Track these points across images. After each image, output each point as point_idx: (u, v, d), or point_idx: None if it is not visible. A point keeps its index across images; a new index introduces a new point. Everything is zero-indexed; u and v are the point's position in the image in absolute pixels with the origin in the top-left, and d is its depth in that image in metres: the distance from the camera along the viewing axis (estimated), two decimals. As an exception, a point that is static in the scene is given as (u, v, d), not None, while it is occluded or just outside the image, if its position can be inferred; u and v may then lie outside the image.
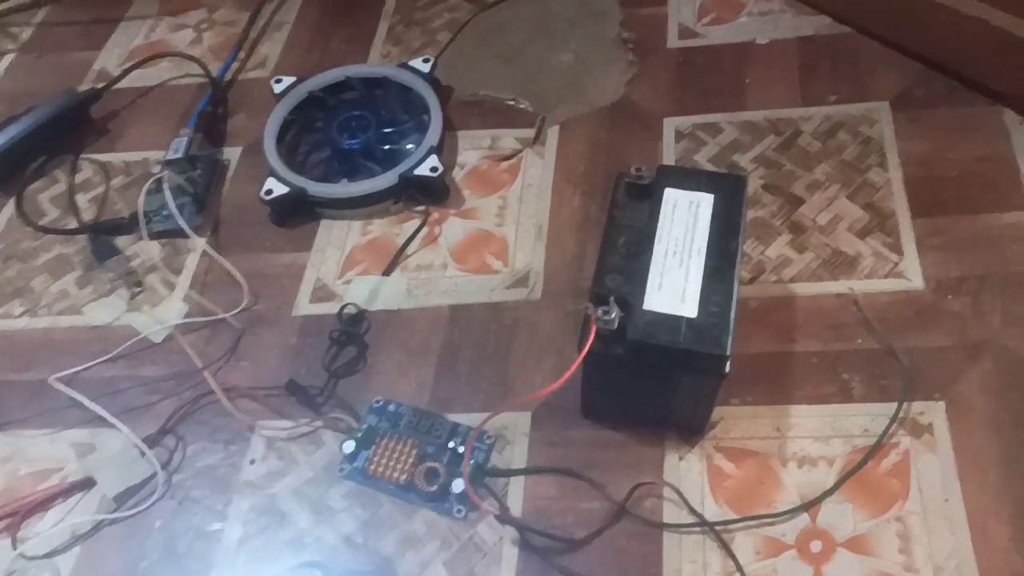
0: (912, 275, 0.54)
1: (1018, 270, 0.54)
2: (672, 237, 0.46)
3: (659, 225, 0.47)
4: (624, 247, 0.47)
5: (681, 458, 0.49)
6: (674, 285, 0.44)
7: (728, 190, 0.48)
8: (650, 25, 0.72)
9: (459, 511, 0.48)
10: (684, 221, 0.47)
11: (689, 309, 0.43)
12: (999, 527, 0.45)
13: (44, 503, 0.51)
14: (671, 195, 0.48)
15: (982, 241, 0.55)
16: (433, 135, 0.64)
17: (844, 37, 0.68)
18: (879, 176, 0.59)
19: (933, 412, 0.49)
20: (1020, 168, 0.58)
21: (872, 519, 0.46)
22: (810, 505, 0.47)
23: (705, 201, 0.48)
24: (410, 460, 0.49)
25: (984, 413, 0.48)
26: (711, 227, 0.46)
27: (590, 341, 0.43)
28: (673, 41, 0.70)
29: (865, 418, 0.49)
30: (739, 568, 0.45)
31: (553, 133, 0.66)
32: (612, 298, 0.44)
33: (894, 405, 0.49)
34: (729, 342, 0.42)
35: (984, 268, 0.54)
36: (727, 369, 0.43)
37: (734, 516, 0.47)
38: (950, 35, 0.62)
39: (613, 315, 0.43)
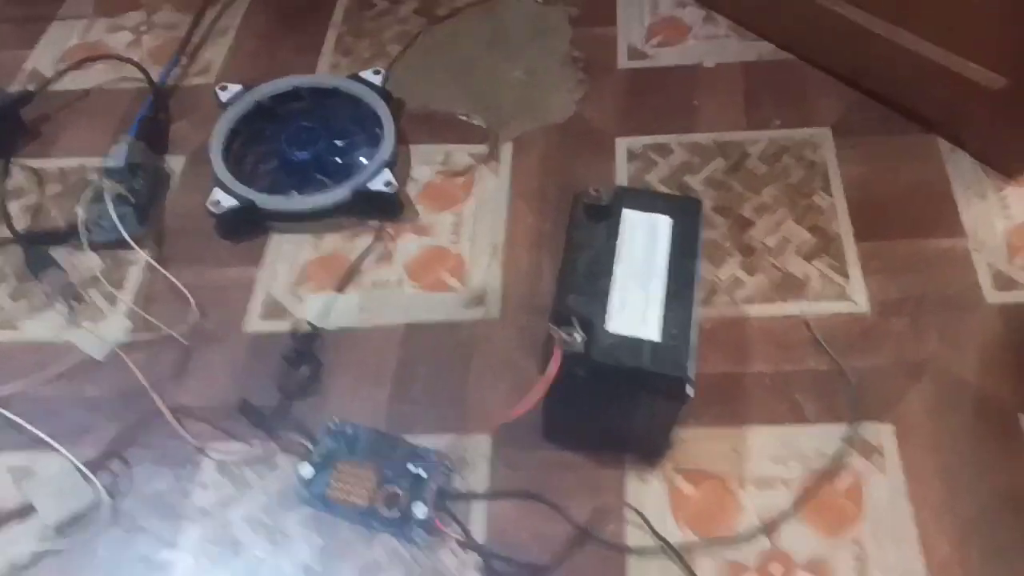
0: (857, 297, 0.56)
1: (953, 292, 0.56)
2: (632, 258, 0.47)
3: (618, 246, 0.47)
4: (584, 267, 0.47)
5: (642, 480, 0.50)
6: (635, 307, 0.45)
7: (685, 212, 0.49)
8: (600, 44, 0.73)
9: (421, 537, 0.48)
10: (643, 243, 0.47)
11: (651, 332, 0.44)
12: (946, 545, 0.47)
13: (-23, 533, 0.49)
14: (629, 216, 0.49)
15: (920, 263, 0.58)
16: (386, 149, 0.63)
17: (786, 64, 0.70)
18: (823, 200, 0.61)
19: (881, 433, 0.51)
20: (953, 193, 0.61)
21: (829, 540, 0.47)
22: (769, 528, 0.48)
23: (663, 223, 0.48)
24: (370, 484, 0.49)
25: (927, 432, 0.50)
26: (670, 249, 0.47)
27: (557, 363, 0.43)
28: (623, 62, 0.71)
29: (818, 439, 0.51)
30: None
31: (506, 149, 0.66)
32: (575, 319, 0.44)
33: (845, 426, 0.51)
34: (691, 365, 0.43)
35: (922, 290, 0.56)
36: (689, 392, 0.44)
37: (696, 538, 0.48)
38: (885, 64, 0.64)
39: (577, 337, 0.43)
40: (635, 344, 0.43)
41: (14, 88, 0.71)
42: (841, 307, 0.56)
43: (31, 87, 0.70)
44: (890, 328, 0.55)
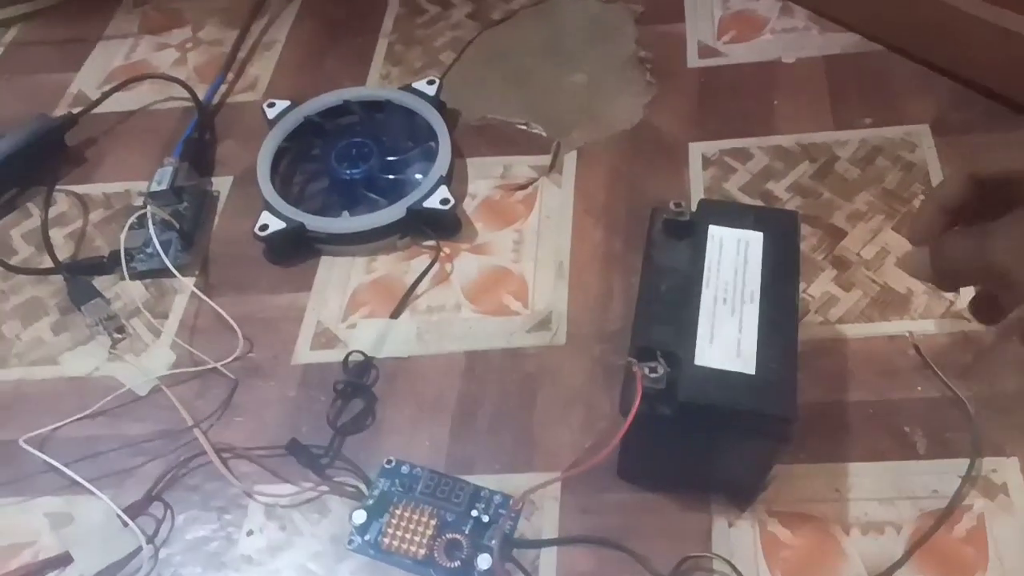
0: (970, 314, 0.50)
1: (1083, 307, 0.49)
2: (721, 281, 0.41)
3: (706, 268, 0.42)
4: (667, 293, 0.42)
5: (731, 525, 0.44)
6: (728, 337, 0.39)
7: (779, 227, 0.43)
8: (668, 43, 0.68)
9: (485, 589, 0.43)
10: (733, 263, 0.42)
11: (746, 365, 0.39)
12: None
13: (14, 584, 0.46)
14: (716, 233, 0.43)
15: (1041, 276, 0.51)
16: (442, 164, 0.59)
17: (874, 55, 0.64)
18: (926, 206, 0.55)
19: (1006, 469, 0.44)
20: (1074, 196, 0.54)
21: (950, 592, 0.41)
22: (878, 581, 0.42)
23: (754, 240, 0.43)
24: (428, 531, 0.44)
25: (1061, 469, 0.44)
26: (763, 270, 0.42)
27: (636, 404, 0.38)
28: (693, 60, 0.66)
29: (932, 476, 0.45)
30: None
31: (570, 160, 0.61)
32: (658, 353, 0.39)
33: (962, 461, 0.45)
34: (795, 403, 0.38)
35: (1045, 305, 0.50)
36: (792, 433, 0.38)
37: (794, 592, 0.42)
38: (988, 52, 0.58)
39: (661, 372, 0.38)
40: (729, 379, 0.38)
41: (59, 111, 0.69)
42: (952, 325, 0.50)
43: (75, 111, 0.68)
44: (1010, 348, 0.48)
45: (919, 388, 0.48)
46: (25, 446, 0.49)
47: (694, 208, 0.45)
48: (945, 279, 0.41)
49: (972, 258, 0.38)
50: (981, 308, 0.45)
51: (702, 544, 0.44)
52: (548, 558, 0.44)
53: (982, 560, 0.42)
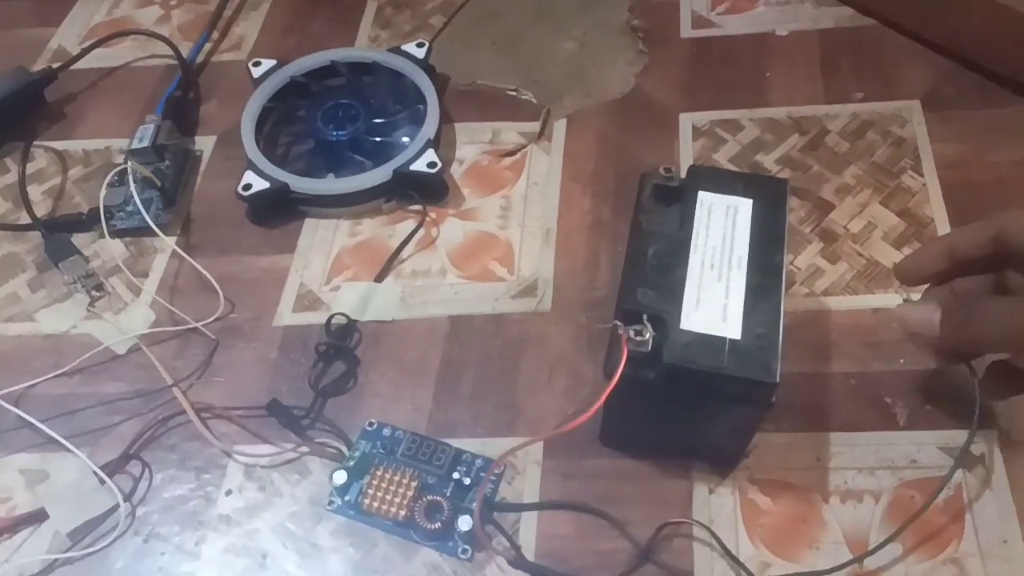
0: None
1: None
2: (709, 247, 0.41)
3: (694, 233, 0.42)
4: (654, 257, 0.42)
5: (711, 492, 0.44)
6: (714, 302, 0.39)
7: (768, 195, 0.43)
8: (661, 12, 0.67)
9: (464, 551, 0.43)
10: (721, 229, 0.42)
11: (732, 330, 0.38)
12: (1065, 572, 0.41)
13: (-12, 539, 0.45)
14: (705, 199, 0.43)
15: (1026, 252, 0.51)
16: (430, 127, 0.58)
17: (867, 29, 0.64)
18: (914, 180, 0.55)
19: (986, 442, 0.45)
20: (1061, 173, 0.54)
21: (925, 561, 0.41)
22: (856, 547, 0.42)
23: (743, 207, 0.43)
24: (409, 493, 0.44)
25: (1041, 442, 0.44)
26: (751, 236, 0.42)
27: (620, 367, 0.38)
28: (686, 30, 0.65)
29: (911, 447, 0.45)
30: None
31: (559, 127, 0.61)
32: (645, 316, 0.39)
33: (942, 433, 0.45)
34: (778, 368, 0.37)
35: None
36: (774, 398, 0.38)
37: (773, 558, 0.42)
38: (982, 28, 0.58)
39: (647, 336, 0.38)
40: (714, 343, 0.38)
41: (38, 67, 0.68)
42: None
43: (55, 66, 0.66)
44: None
45: (901, 361, 0.48)
46: (0, 402, 0.48)
47: (683, 174, 0.45)
48: (971, 345, 0.39)
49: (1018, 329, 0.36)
50: (1000, 379, 0.42)
51: (682, 511, 0.44)
52: (529, 521, 0.44)
53: (958, 530, 0.42)
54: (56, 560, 0.44)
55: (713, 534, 0.43)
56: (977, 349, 0.41)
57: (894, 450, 0.45)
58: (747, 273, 0.40)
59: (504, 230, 0.56)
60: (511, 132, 0.61)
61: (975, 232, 0.40)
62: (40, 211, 0.59)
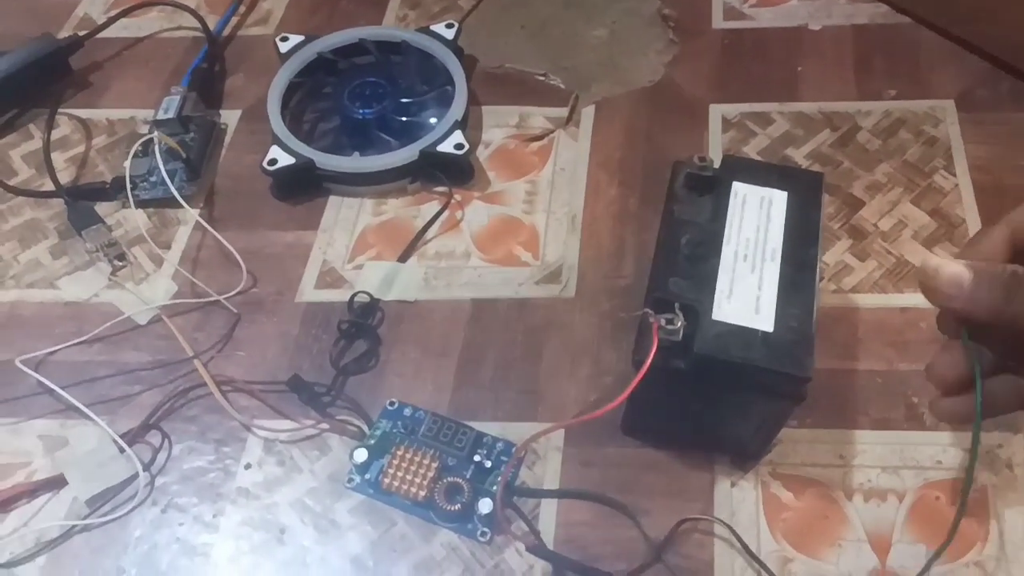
0: None
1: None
2: (743, 238, 0.41)
3: (727, 224, 0.41)
4: (687, 247, 0.41)
5: (733, 485, 0.44)
6: (747, 294, 0.39)
7: (803, 188, 0.43)
8: (693, 3, 0.66)
9: (484, 534, 0.43)
10: (755, 220, 0.41)
11: (764, 322, 0.38)
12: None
13: (6, 503, 0.45)
14: (740, 190, 0.43)
15: (1057, 257, 0.50)
16: (457, 108, 0.57)
17: (902, 28, 0.63)
18: (946, 180, 0.54)
19: (1013, 445, 0.44)
20: (1093, 181, 0.54)
21: (948, 563, 0.41)
22: (879, 545, 0.42)
23: (778, 198, 0.42)
24: (430, 473, 0.44)
25: (1068, 448, 0.44)
26: (786, 229, 0.41)
27: (651, 354, 0.37)
28: (718, 21, 0.65)
29: (937, 448, 0.45)
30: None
31: (587, 114, 0.60)
32: (676, 305, 0.38)
33: (969, 435, 0.44)
34: (811, 363, 0.37)
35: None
36: (806, 393, 0.38)
37: (794, 553, 0.42)
38: (1019, 32, 0.57)
39: (677, 324, 0.38)
40: (746, 335, 0.37)
41: (64, 34, 0.67)
42: (964, 302, 0.49)
43: (81, 33, 0.66)
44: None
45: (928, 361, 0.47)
46: (21, 366, 0.48)
47: (717, 164, 0.44)
48: (1010, 319, 0.33)
49: None
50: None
51: (703, 503, 0.44)
52: (548, 507, 0.44)
53: (982, 533, 0.42)
54: (74, 527, 0.44)
55: (733, 531, 0.42)
56: (1017, 323, 0.34)
57: (919, 450, 0.45)
58: (781, 266, 0.40)
59: (529, 215, 0.55)
60: (539, 117, 0.60)
61: (989, 240, 0.36)
62: (63, 178, 0.58)
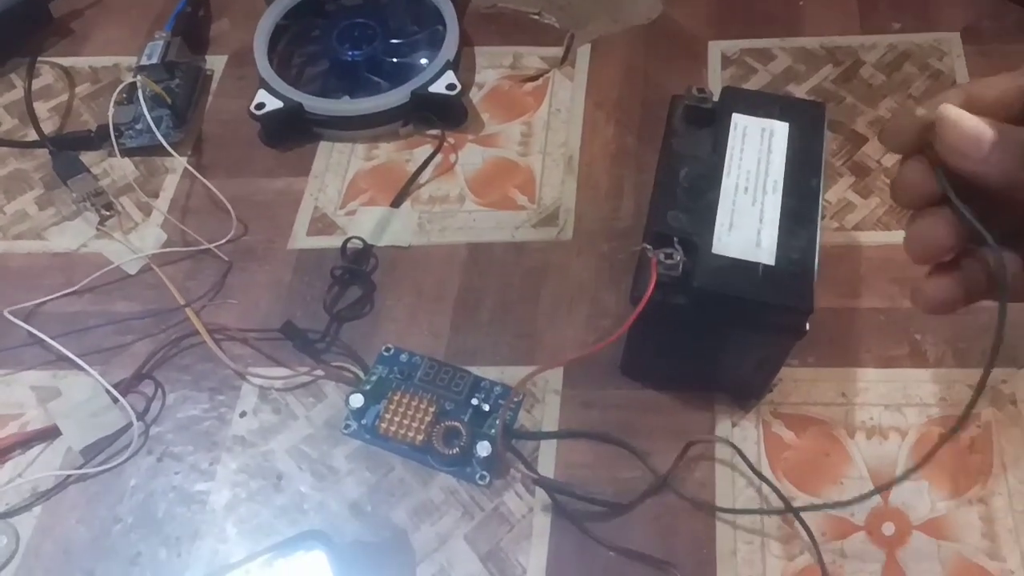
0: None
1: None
2: (743, 170, 0.40)
3: (727, 156, 0.40)
4: (686, 180, 0.40)
5: (734, 424, 0.44)
6: (747, 227, 0.38)
7: (805, 119, 0.41)
8: (691, -63, 0.64)
9: (483, 477, 0.42)
10: (756, 152, 0.40)
11: (766, 255, 0.37)
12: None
13: (0, 454, 0.45)
14: (739, 121, 0.41)
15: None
16: (449, 48, 0.56)
17: (906, -40, 0.61)
18: (951, 114, 0.53)
19: (1017, 380, 0.44)
20: (1103, 112, 0.52)
21: (951, 499, 0.41)
22: (881, 483, 0.41)
23: (779, 130, 0.41)
24: (427, 418, 0.43)
25: (1074, 382, 0.43)
26: (787, 160, 0.40)
27: (650, 289, 0.36)
28: (718, -45, 0.63)
29: (941, 385, 0.44)
30: (816, 547, 0.39)
31: (583, 53, 0.59)
32: (675, 239, 0.38)
33: (973, 371, 0.44)
34: (813, 295, 0.36)
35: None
36: (807, 326, 0.37)
37: (797, 491, 0.41)
38: (1026, -39, 0.55)
39: (676, 259, 0.37)
40: (747, 268, 0.36)
41: (44, -21, 0.65)
42: (969, 237, 0.49)
43: (61, -22, 0.64)
44: None
45: (933, 297, 0.46)
46: (10, 317, 0.47)
47: (716, 97, 0.43)
48: None
49: None
50: None
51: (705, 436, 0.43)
52: (548, 449, 0.43)
53: (986, 468, 0.41)
54: (69, 476, 0.44)
55: (738, 451, 0.42)
56: None
57: (923, 387, 0.44)
58: (782, 198, 0.39)
59: (525, 157, 0.54)
60: (533, 57, 0.59)
61: (1004, 79, 0.30)
62: (47, 128, 0.57)
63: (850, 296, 0.47)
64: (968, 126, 0.29)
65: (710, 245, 0.37)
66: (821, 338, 0.45)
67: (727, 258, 0.37)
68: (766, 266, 0.37)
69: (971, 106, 0.30)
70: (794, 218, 0.38)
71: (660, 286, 0.37)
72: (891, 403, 0.44)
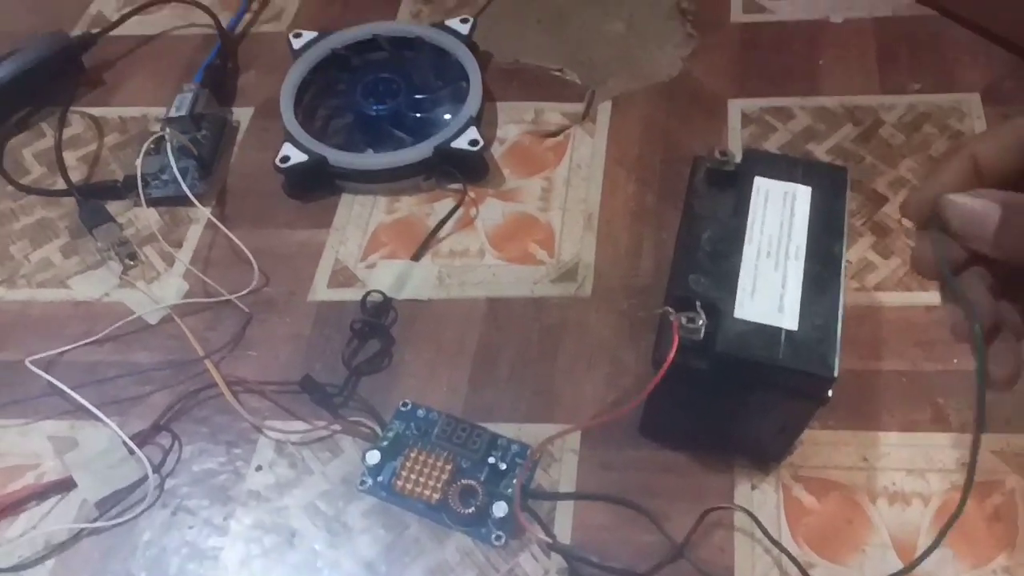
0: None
1: None
2: (765, 235, 0.40)
3: (750, 220, 0.40)
4: (708, 243, 0.40)
5: (754, 488, 0.43)
6: (770, 291, 0.38)
7: (827, 182, 0.41)
8: (711, -5, 0.65)
9: (498, 538, 0.42)
10: (778, 216, 0.40)
11: (788, 320, 0.37)
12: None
13: (15, 506, 0.45)
14: (762, 185, 0.41)
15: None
16: (472, 104, 0.56)
17: (925, 20, 0.62)
18: (972, 176, 0.53)
19: (1041, 449, 0.43)
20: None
21: (975, 569, 0.40)
22: (904, 550, 0.41)
23: (801, 194, 0.41)
24: (444, 476, 0.43)
25: (1101, 452, 0.43)
26: (810, 225, 0.40)
27: (672, 353, 0.36)
28: (737, 14, 0.64)
29: (963, 450, 0.43)
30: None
31: (604, 109, 0.59)
32: (697, 303, 0.37)
33: (996, 436, 0.43)
34: (836, 362, 0.36)
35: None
36: (830, 393, 0.37)
37: (816, 558, 0.41)
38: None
39: (699, 323, 0.37)
40: (769, 334, 0.36)
41: (77, 31, 0.67)
42: (992, 300, 0.48)
43: (94, 31, 0.65)
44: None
45: (955, 360, 0.46)
46: (31, 367, 0.48)
47: (738, 159, 0.43)
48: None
49: None
50: None
51: (725, 503, 0.42)
52: (565, 510, 0.43)
53: (1010, 537, 0.41)
54: (83, 530, 0.44)
55: (756, 520, 0.41)
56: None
57: (945, 453, 0.43)
58: (805, 263, 0.38)
59: (545, 212, 0.54)
60: (554, 113, 0.59)
61: (999, 137, 0.32)
62: (75, 177, 0.58)
63: (872, 358, 0.47)
64: (970, 211, 0.30)
65: (732, 309, 0.37)
66: (842, 400, 0.45)
67: (749, 323, 0.37)
68: (789, 331, 0.36)
69: (978, 169, 0.32)
70: (817, 284, 0.38)
71: (682, 350, 0.36)
72: (913, 468, 0.43)
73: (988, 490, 0.42)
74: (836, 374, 0.36)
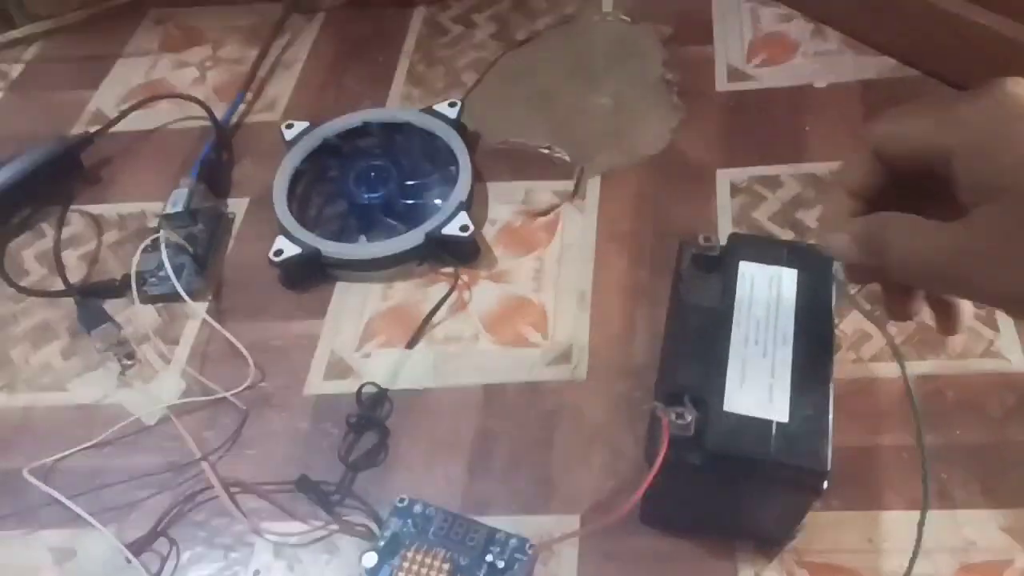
0: (1011, 354, 0.48)
1: None
2: (752, 321, 0.39)
3: (736, 306, 0.40)
4: (695, 332, 0.40)
5: (758, 575, 0.42)
6: (759, 381, 0.37)
7: (814, 265, 0.41)
8: (696, 66, 0.66)
9: (499, 639, 0.41)
10: (765, 301, 0.40)
11: (779, 412, 0.36)
12: None
13: (16, 619, 0.44)
14: (747, 269, 0.41)
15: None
16: (462, 189, 0.57)
17: (911, 81, 0.62)
18: (965, 239, 0.53)
19: (1053, 524, 0.42)
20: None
21: (989, 657, 0.39)
22: (916, 639, 0.40)
23: (787, 277, 0.41)
24: (441, 575, 0.42)
25: (1113, 525, 0.42)
26: (797, 310, 0.40)
27: (663, 450, 0.36)
28: (722, 83, 0.64)
29: (970, 527, 0.42)
30: None
31: (594, 185, 0.60)
32: (686, 397, 0.37)
33: (1005, 512, 0.42)
34: (829, 455, 0.35)
35: (1091, 346, 0.48)
36: (825, 486, 0.36)
37: (826, 651, 0.40)
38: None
39: (688, 419, 0.36)
40: (760, 427, 0.36)
41: (77, 129, 0.68)
42: (990, 365, 0.48)
43: (92, 129, 0.67)
44: (1055, 392, 0.46)
45: (958, 432, 0.45)
46: (29, 478, 0.48)
47: (723, 240, 0.43)
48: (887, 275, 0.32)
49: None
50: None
51: (728, 596, 0.42)
52: (566, 607, 0.42)
53: (1025, 619, 0.40)
54: (83, 642, 0.43)
55: (762, 621, 0.40)
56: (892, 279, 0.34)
57: (951, 531, 0.42)
58: (793, 349, 0.38)
59: (538, 293, 0.54)
60: (545, 191, 0.60)
61: (857, 160, 0.34)
62: (75, 276, 0.59)
63: (871, 432, 0.46)
64: (836, 244, 0.34)
65: (722, 402, 0.37)
66: (844, 479, 0.43)
67: (739, 416, 0.37)
68: (779, 423, 0.36)
69: (854, 195, 0.34)
70: (806, 372, 0.38)
71: (674, 445, 0.36)
72: (922, 549, 0.42)
73: (999, 569, 0.41)
74: (829, 467, 0.35)
